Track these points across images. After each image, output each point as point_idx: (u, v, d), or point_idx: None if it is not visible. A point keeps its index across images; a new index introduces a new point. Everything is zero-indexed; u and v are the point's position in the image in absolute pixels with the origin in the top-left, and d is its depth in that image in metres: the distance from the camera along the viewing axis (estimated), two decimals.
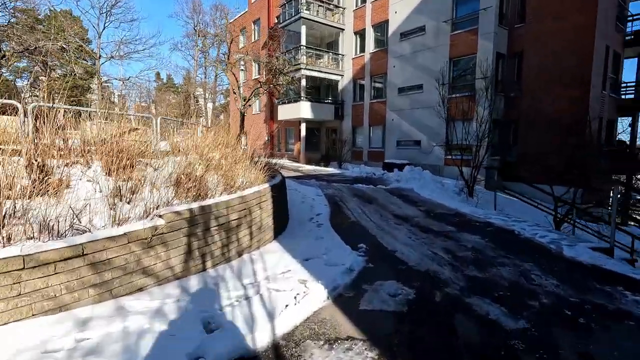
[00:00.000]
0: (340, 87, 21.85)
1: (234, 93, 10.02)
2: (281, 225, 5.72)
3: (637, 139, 15.48)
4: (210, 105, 48.70)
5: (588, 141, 12.58)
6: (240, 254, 4.18)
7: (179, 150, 5.15)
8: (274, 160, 21.83)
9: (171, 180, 4.10)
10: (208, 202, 3.76)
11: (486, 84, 12.64)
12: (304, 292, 3.31)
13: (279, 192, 5.91)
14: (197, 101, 52.43)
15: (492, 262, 4.39)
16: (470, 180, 11.30)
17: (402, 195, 9.97)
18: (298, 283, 3.51)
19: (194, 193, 3.99)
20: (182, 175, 4.12)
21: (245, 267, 3.86)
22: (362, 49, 20.18)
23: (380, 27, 18.98)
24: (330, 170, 17.73)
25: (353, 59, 20.73)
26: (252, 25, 27.71)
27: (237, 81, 9.99)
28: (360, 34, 20.34)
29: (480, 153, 11.36)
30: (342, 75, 21.52)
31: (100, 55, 19.10)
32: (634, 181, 15.75)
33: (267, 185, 5.10)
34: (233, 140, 6.40)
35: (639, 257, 5.98)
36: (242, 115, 9.81)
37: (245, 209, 4.25)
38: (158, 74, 52.72)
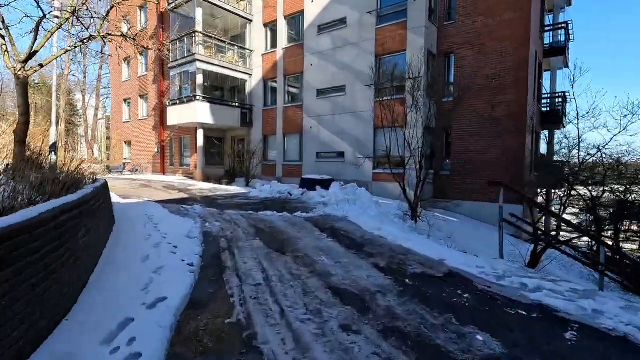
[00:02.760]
0: (248, 88, 18.09)
1: (2, 38, 5.23)
2: None
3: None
4: (91, 111, 39.63)
5: (527, 154, 11.28)
6: None
7: None
8: (128, 175, 16.59)
9: None
10: None
11: (423, 85, 10.39)
12: None
13: None
14: (75, 106, 42.71)
15: None
16: (414, 201, 8.60)
17: (336, 230, 6.35)
18: None
19: None
20: None
21: None
22: (274, 44, 16.90)
23: (295, 18, 16.01)
24: (234, 189, 13.65)
25: (263, 55, 17.29)
26: (138, 11, 22.36)
27: None
28: (272, 26, 17.08)
29: (424, 167, 8.83)
30: (250, 75, 17.84)
31: None
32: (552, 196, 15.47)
33: None
34: None
35: None
36: (24, 86, 5.13)
37: None
38: None
